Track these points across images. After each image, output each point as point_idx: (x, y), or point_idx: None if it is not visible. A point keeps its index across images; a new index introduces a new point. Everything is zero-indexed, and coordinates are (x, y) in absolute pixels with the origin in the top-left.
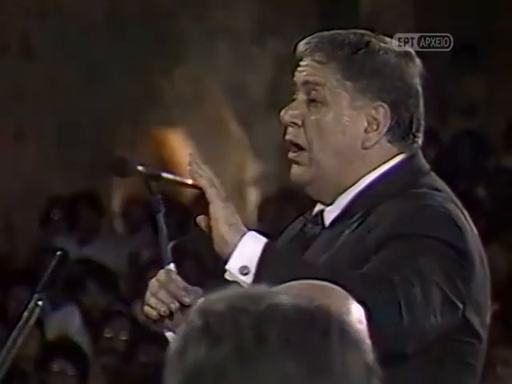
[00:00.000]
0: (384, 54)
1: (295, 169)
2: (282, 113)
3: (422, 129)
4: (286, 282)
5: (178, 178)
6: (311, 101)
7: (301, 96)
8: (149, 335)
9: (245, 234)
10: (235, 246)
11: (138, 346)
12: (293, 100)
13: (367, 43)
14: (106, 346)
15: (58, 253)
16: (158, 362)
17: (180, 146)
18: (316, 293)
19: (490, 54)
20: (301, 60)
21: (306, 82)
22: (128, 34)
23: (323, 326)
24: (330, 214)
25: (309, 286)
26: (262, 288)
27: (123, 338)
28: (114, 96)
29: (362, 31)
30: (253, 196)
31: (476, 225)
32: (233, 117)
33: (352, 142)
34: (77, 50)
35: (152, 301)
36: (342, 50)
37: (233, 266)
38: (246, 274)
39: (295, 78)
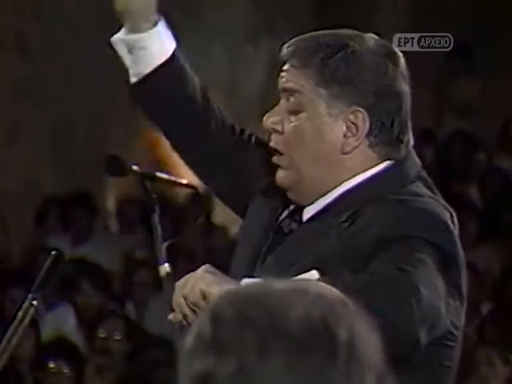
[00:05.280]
0: (361, 57)
1: (279, 173)
2: (264, 119)
3: (408, 131)
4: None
5: (172, 178)
6: (290, 107)
7: (282, 102)
8: (143, 335)
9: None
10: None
11: (132, 346)
12: (276, 105)
13: (344, 46)
14: (101, 345)
15: (53, 252)
16: (152, 361)
17: None
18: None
19: (485, 54)
20: (284, 64)
21: (284, 90)
22: None
23: (331, 348)
24: (309, 213)
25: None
26: (277, 292)
27: (117, 337)
28: (109, 95)
29: (343, 31)
30: None
31: (470, 225)
32: None
33: (331, 148)
34: (72, 49)
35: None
36: (316, 55)
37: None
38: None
39: (279, 84)
